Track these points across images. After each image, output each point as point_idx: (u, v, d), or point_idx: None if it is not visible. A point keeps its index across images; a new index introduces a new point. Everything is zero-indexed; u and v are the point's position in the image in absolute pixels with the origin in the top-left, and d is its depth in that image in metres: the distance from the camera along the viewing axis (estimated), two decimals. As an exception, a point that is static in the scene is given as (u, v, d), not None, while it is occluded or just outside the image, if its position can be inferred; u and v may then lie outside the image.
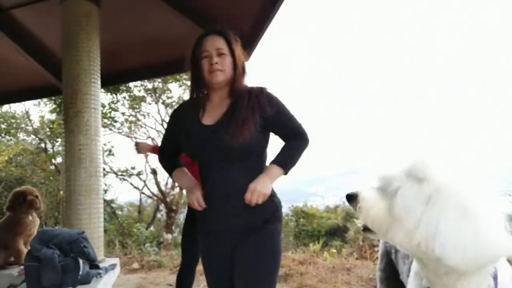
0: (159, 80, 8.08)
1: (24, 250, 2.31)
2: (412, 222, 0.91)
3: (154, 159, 9.27)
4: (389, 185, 0.97)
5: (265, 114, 1.39)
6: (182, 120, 1.49)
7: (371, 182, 1.04)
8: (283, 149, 1.46)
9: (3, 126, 8.74)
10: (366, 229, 1.04)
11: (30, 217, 2.38)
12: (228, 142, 1.33)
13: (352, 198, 1.03)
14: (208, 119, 1.43)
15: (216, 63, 1.41)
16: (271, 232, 1.41)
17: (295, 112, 1.48)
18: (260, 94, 1.42)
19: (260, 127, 1.39)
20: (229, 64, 1.44)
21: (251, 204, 1.34)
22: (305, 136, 1.47)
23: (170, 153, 1.58)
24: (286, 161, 1.43)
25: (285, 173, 1.43)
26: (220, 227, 1.43)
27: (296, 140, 1.46)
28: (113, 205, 8.88)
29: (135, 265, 4.73)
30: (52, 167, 8.02)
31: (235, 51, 1.46)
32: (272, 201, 1.44)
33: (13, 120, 8.78)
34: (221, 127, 1.37)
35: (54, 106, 8.04)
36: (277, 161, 1.43)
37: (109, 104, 8.09)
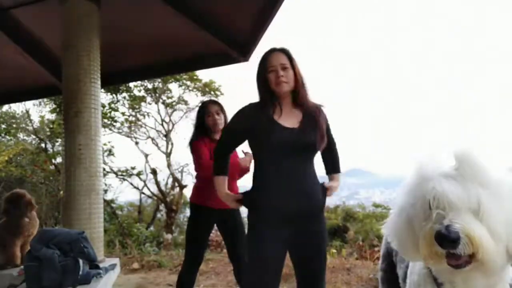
0: (159, 80, 8.08)
1: (19, 254, 2.32)
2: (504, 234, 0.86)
3: (154, 159, 9.25)
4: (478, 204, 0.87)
5: (326, 127, 1.80)
6: (254, 121, 1.74)
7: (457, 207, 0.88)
8: (334, 158, 1.96)
9: (3, 126, 8.74)
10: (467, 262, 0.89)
11: (27, 219, 2.37)
12: (312, 143, 1.70)
13: (455, 240, 0.85)
14: (286, 123, 1.71)
15: (282, 75, 1.70)
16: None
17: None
18: (322, 111, 1.82)
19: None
20: (292, 77, 1.73)
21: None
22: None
23: (229, 149, 1.89)
24: (338, 167, 1.98)
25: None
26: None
27: (335, 148, 1.96)
28: (113, 205, 8.87)
29: (135, 265, 4.73)
30: (52, 167, 8.02)
31: (295, 66, 1.76)
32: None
33: (13, 120, 8.77)
34: (304, 130, 1.70)
35: (54, 106, 8.04)
36: (336, 170, 1.97)
37: (109, 104, 8.09)
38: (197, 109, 2.77)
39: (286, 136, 1.67)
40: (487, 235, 0.85)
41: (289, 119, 1.73)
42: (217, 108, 2.58)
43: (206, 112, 2.57)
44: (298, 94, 1.76)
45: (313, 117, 1.75)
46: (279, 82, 1.70)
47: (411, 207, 0.98)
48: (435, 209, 0.90)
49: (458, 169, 0.93)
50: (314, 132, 1.72)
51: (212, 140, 2.53)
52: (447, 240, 0.85)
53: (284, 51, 1.77)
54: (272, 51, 1.78)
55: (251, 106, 1.80)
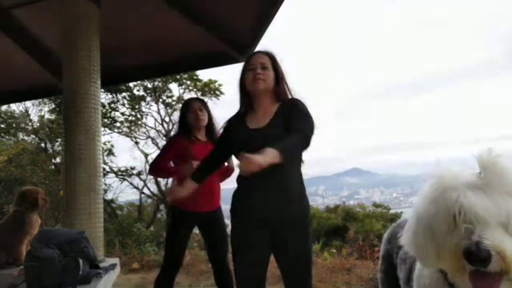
0: (159, 80, 8.07)
1: (24, 252, 2.33)
2: None
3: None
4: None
5: (289, 119, 1.64)
6: (233, 126, 1.82)
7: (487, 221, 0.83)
8: (285, 137, 1.58)
9: (2, 125, 8.73)
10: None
11: (35, 217, 2.42)
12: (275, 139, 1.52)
13: (486, 259, 0.79)
14: (253, 125, 1.72)
15: (259, 73, 1.70)
16: None
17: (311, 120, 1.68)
18: (296, 103, 1.71)
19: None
20: (271, 77, 1.73)
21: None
22: (308, 138, 1.59)
23: (216, 158, 1.93)
24: (286, 147, 1.50)
25: (281, 159, 1.44)
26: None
27: (293, 134, 1.57)
28: (113, 205, 8.87)
29: (135, 265, 4.73)
30: (52, 167, 8.01)
31: (278, 68, 1.76)
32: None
33: (12, 120, 8.77)
34: (270, 129, 1.67)
35: (54, 106, 8.03)
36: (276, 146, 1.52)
37: (109, 104, 8.08)
38: None
39: (250, 137, 1.70)
40: None
41: (259, 119, 1.74)
42: (200, 104, 2.54)
43: (189, 109, 2.53)
44: (275, 93, 1.77)
45: (283, 113, 1.71)
46: (256, 79, 1.71)
47: (432, 217, 0.92)
48: (461, 223, 0.84)
49: (483, 178, 0.88)
50: (278, 130, 1.65)
51: (193, 139, 2.49)
52: (477, 258, 0.80)
53: (267, 53, 1.79)
54: (255, 53, 1.84)
55: (234, 114, 1.87)
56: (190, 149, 2.43)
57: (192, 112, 2.51)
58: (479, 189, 0.86)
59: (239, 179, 1.78)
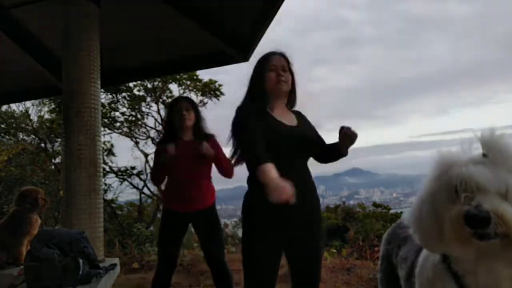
0: (159, 80, 8.07)
1: (24, 252, 2.33)
2: None
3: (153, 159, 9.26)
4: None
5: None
6: (262, 116, 1.67)
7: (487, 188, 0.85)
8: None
9: (2, 125, 8.73)
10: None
11: (35, 216, 2.42)
12: (311, 139, 1.75)
13: (485, 219, 0.82)
14: (285, 121, 1.72)
15: (283, 75, 1.74)
16: None
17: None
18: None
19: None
20: (290, 79, 1.78)
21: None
22: None
23: (260, 136, 1.54)
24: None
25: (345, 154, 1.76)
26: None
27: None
28: (113, 205, 8.87)
29: (135, 265, 4.73)
30: (52, 167, 8.01)
31: (293, 70, 1.81)
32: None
33: (12, 120, 8.76)
34: (303, 128, 1.75)
35: (54, 106, 8.03)
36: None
37: (109, 104, 8.08)
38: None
39: (290, 132, 1.69)
40: None
41: (286, 118, 1.75)
42: (187, 104, 2.49)
43: (174, 109, 2.50)
44: (292, 97, 1.83)
45: (303, 117, 1.84)
46: (280, 80, 1.73)
47: (435, 194, 0.95)
48: (462, 192, 0.87)
49: (486, 155, 0.91)
50: (311, 130, 1.82)
51: (177, 140, 2.44)
52: (477, 219, 0.82)
53: (284, 56, 1.81)
54: (273, 53, 1.81)
55: (245, 104, 1.73)
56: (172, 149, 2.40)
57: (177, 112, 2.46)
58: (481, 164, 0.89)
59: (253, 179, 1.60)
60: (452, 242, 0.90)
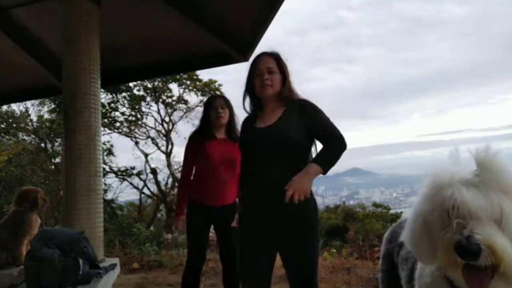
0: (159, 80, 8.08)
1: (24, 253, 2.33)
2: None
3: (154, 159, 9.25)
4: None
5: (308, 121, 1.68)
6: (244, 127, 1.90)
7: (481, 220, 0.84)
8: (322, 149, 1.67)
9: (2, 125, 8.73)
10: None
11: (35, 216, 2.42)
12: (286, 135, 1.66)
13: (476, 253, 0.81)
14: (262, 124, 1.75)
15: (267, 79, 1.71)
16: None
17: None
18: (306, 104, 1.73)
19: (304, 131, 1.68)
20: (278, 80, 1.74)
21: (294, 200, 1.51)
22: (342, 138, 1.67)
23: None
24: (325, 160, 1.62)
25: (324, 172, 1.60)
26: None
27: (334, 141, 1.67)
28: (113, 205, 8.87)
29: (135, 265, 4.73)
30: (52, 167, 8.02)
31: (284, 69, 1.77)
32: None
33: (12, 120, 8.77)
34: (280, 128, 1.68)
35: (54, 106, 8.04)
36: (316, 160, 1.63)
37: (108, 104, 8.09)
38: (197, 109, 2.77)
39: (256, 136, 1.74)
40: (510, 246, 0.82)
41: (269, 118, 1.75)
42: (222, 102, 2.54)
43: (211, 107, 2.54)
44: (282, 94, 1.78)
45: (292, 111, 1.73)
46: (264, 85, 1.73)
47: (428, 214, 0.95)
48: (454, 218, 0.86)
49: (479, 176, 0.88)
50: (292, 127, 1.67)
51: (209, 136, 2.49)
52: (467, 251, 0.81)
53: (272, 55, 1.79)
54: (261, 55, 1.81)
55: (247, 116, 1.92)
56: (204, 146, 2.45)
57: (214, 109, 2.51)
58: (474, 186, 0.88)
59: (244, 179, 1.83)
60: (444, 266, 0.92)
